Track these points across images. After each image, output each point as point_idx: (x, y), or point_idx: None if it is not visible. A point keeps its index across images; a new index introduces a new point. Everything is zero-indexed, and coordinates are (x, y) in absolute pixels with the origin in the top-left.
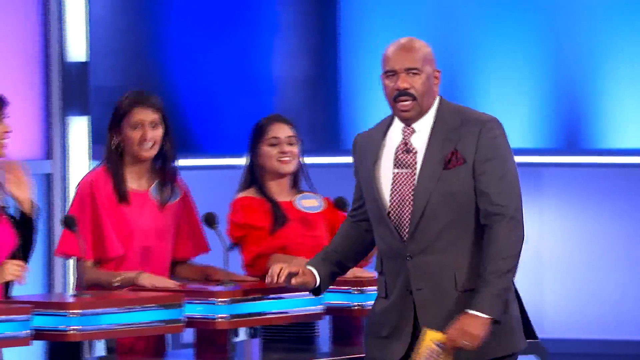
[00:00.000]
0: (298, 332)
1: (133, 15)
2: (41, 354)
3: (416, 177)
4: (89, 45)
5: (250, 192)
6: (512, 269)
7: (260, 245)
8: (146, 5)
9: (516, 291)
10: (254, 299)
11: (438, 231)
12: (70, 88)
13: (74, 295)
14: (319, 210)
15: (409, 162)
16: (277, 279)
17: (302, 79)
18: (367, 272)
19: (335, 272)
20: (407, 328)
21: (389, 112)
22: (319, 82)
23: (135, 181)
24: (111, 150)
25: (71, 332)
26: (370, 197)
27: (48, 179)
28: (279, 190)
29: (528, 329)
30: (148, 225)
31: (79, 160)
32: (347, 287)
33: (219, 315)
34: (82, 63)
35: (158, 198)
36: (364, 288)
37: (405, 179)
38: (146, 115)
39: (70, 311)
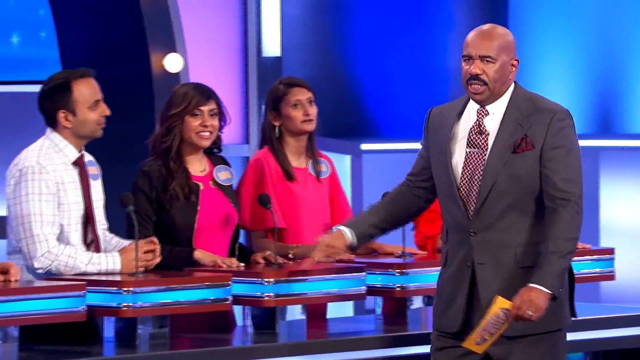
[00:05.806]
0: None
1: (322, 16)
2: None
3: (486, 157)
4: (283, 42)
5: None
6: (573, 251)
7: (430, 227)
8: (334, 6)
9: (570, 268)
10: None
11: (502, 210)
12: (266, 80)
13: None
14: None
15: (480, 143)
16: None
17: None
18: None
19: (371, 233)
20: (460, 299)
21: None
22: None
23: (296, 159)
24: (273, 132)
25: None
26: (441, 172)
27: (246, 161)
28: None
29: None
30: (312, 199)
31: None
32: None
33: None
34: (276, 57)
35: (315, 173)
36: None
37: (476, 158)
38: (303, 94)
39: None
